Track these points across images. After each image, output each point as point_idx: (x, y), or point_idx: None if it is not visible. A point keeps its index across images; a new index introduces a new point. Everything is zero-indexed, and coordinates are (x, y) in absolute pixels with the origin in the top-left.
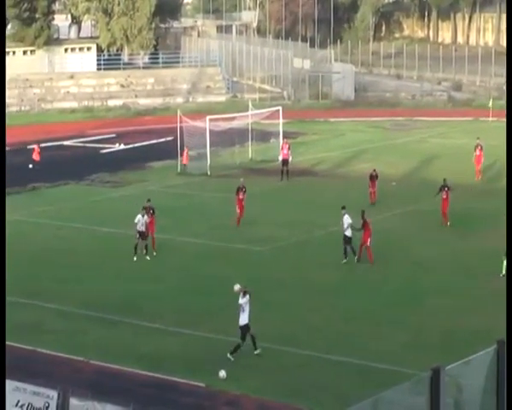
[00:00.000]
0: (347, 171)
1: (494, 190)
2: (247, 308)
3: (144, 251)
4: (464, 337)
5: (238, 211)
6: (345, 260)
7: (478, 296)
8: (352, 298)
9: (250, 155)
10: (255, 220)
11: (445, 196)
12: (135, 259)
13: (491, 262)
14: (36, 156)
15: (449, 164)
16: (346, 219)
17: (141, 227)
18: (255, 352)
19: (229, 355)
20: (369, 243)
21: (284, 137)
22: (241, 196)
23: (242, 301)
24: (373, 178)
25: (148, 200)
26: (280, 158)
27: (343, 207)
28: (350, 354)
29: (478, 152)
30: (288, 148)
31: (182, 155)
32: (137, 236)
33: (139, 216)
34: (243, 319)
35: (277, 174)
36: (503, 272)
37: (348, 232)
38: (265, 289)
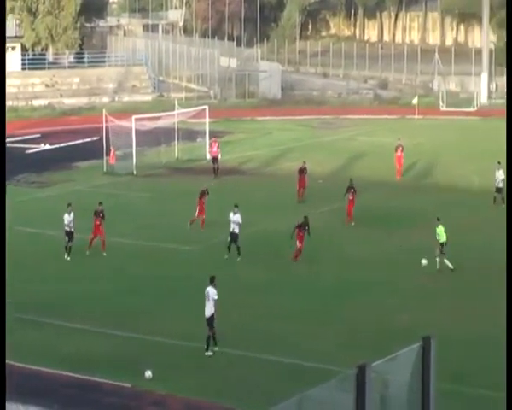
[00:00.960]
0: (275, 169)
1: (418, 187)
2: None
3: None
4: (395, 334)
5: (198, 214)
6: (226, 257)
7: (406, 293)
8: (283, 296)
9: (176, 155)
10: (184, 219)
11: (351, 198)
12: (68, 258)
13: (418, 259)
14: None
15: (375, 162)
16: (237, 219)
17: (67, 227)
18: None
19: (206, 353)
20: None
21: (212, 135)
22: (203, 200)
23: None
24: (302, 172)
25: (100, 203)
26: (209, 156)
27: (236, 206)
28: (281, 353)
29: (399, 153)
30: (218, 146)
31: (108, 154)
32: (66, 238)
33: (66, 215)
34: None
35: (204, 173)
36: (438, 266)
37: (237, 230)
38: (195, 288)
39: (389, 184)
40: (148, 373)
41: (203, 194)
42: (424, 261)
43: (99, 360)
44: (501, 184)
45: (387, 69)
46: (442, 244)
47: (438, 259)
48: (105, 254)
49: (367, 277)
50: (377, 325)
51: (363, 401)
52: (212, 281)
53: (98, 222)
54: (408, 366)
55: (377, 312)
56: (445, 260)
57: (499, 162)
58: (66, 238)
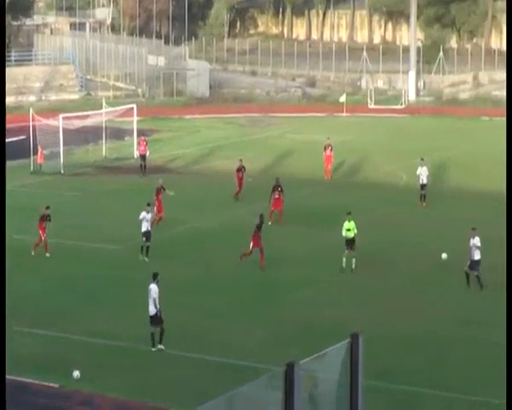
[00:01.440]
0: (203, 168)
1: (346, 185)
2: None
3: None
4: (322, 331)
5: (157, 213)
6: (141, 258)
7: (334, 290)
8: (211, 295)
9: (104, 153)
10: (111, 218)
11: (277, 196)
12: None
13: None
14: None
15: (304, 160)
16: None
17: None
18: (153, 349)
19: (159, 346)
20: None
21: (141, 134)
22: (160, 197)
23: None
24: (239, 170)
25: (47, 207)
26: (137, 155)
27: (148, 204)
28: (209, 351)
29: (328, 152)
30: (146, 144)
31: (36, 154)
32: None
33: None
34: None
35: (132, 172)
36: (343, 265)
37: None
38: (122, 287)
39: (317, 182)
40: (76, 373)
41: (159, 191)
42: (444, 255)
43: (26, 360)
44: (425, 181)
45: (315, 67)
46: (351, 240)
47: (344, 258)
48: (48, 254)
49: (295, 274)
50: (305, 323)
51: (292, 399)
52: (154, 277)
53: (44, 225)
54: (336, 362)
55: (305, 309)
56: (353, 259)
57: (422, 159)
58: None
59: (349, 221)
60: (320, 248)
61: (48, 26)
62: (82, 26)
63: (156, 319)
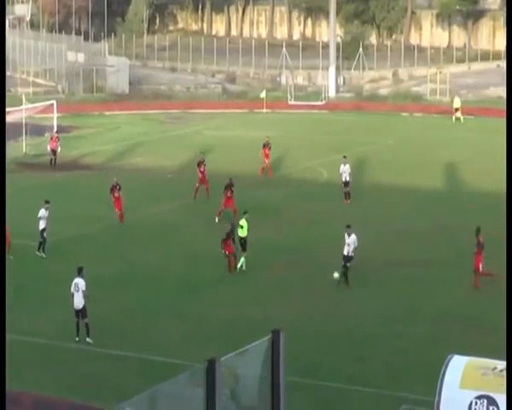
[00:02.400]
0: (122, 164)
1: (266, 181)
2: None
3: None
4: (244, 327)
5: (117, 210)
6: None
7: (257, 286)
8: (131, 291)
9: (24, 150)
10: (29, 215)
11: (229, 195)
12: None
13: (266, 253)
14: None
15: (223, 156)
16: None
17: None
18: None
19: (88, 339)
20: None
21: (61, 130)
22: (116, 194)
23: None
24: (200, 165)
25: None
26: (49, 148)
27: (47, 202)
28: (128, 347)
29: (267, 151)
30: (57, 139)
31: None
32: None
33: None
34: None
35: (52, 168)
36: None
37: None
38: (43, 284)
39: (238, 178)
40: None
41: (114, 188)
42: (336, 275)
43: None
44: (348, 178)
45: (235, 63)
46: (243, 239)
47: (243, 258)
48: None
49: (216, 271)
50: (226, 319)
51: (214, 395)
52: (79, 272)
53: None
54: (258, 359)
55: (226, 306)
56: (242, 259)
57: (345, 156)
58: None
59: (245, 220)
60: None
61: None
62: None
63: (84, 312)
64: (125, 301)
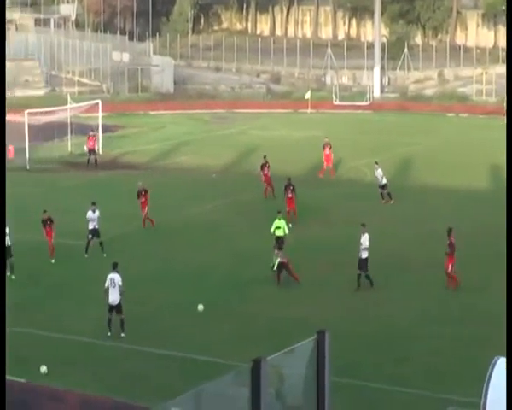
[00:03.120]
0: (167, 163)
1: (313, 181)
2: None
3: None
4: (287, 327)
5: (143, 214)
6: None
7: (301, 286)
8: (175, 289)
9: (69, 149)
10: (74, 215)
11: (290, 196)
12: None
13: (312, 253)
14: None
15: (269, 156)
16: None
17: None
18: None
19: (122, 334)
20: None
21: (106, 130)
22: (143, 200)
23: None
24: (263, 168)
25: (45, 211)
26: (86, 148)
27: (93, 203)
28: (172, 346)
29: (327, 151)
30: (95, 138)
31: (7, 150)
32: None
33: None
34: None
35: (96, 168)
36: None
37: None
38: (85, 283)
39: (283, 178)
40: (44, 368)
41: (140, 194)
42: (200, 307)
43: None
44: (384, 181)
45: (280, 63)
46: (280, 238)
47: (274, 257)
48: (53, 260)
49: (260, 270)
50: (270, 318)
51: (259, 395)
52: (114, 267)
53: (48, 229)
54: (303, 359)
55: (270, 305)
56: (278, 259)
57: (377, 162)
58: (90, 236)
59: (279, 219)
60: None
61: (13, 23)
62: (47, 22)
63: (119, 308)
64: (169, 300)
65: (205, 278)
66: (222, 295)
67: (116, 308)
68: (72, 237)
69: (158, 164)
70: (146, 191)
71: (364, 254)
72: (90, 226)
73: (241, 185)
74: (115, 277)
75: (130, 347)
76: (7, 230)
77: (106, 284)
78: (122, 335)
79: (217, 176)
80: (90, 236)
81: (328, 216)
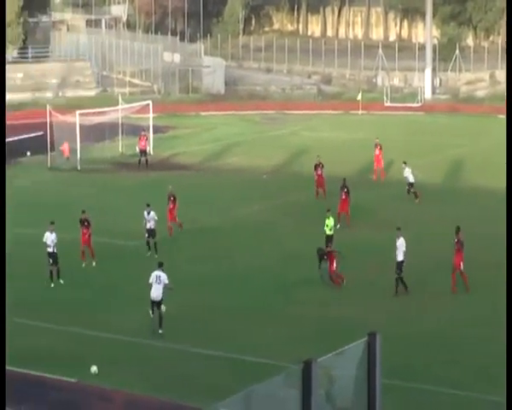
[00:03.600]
0: (218, 164)
1: (361, 182)
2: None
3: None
4: (336, 328)
5: (169, 220)
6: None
7: (350, 287)
8: (223, 290)
9: (120, 150)
10: (127, 214)
11: (344, 197)
12: (52, 285)
13: (361, 255)
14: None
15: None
16: (153, 215)
17: (50, 248)
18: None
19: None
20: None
21: (157, 130)
22: (171, 206)
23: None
24: (317, 167)
25: (83, 211)
26: (137, 149)
27: (148, 205)
28: (220, 347)
29: (377, 151)
30: (146, 139)
31: (62, 148)
32: (50, 261)
33: (47, 234)
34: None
35: (148, 168)
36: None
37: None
38: (134, 283)
39: (335, 179)
40: (94, 368)
41: (170, 199)
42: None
43: (43, 355)
44: (411, 180)
45: (331, 64)
46: (329, 237)
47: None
48: (94, 263)
49: (309, 270)
50: (318, 320)
51: (309, 397)
52: (160, 265)
53: (85, 231)
54: (353, 361)
55: (319, 306)
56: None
57: (405, 162)
58: (50, 260)
59: (328, 218)
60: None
61: (64, 23)
62: (98, 23)
63: (160, 304)
64: (218, 301)
65: (253, 279)
66: (269, 296)
67: (158, 304)
68: (123, 238)
69: (209, 165)
70: (175, 198)
71: (400, 258)
72: (147, 226)
73: (292, 186)
74: (161, 274)
75: (177, 347)
76: (52, 237)
77: (150, 280)
78: (160, 331)
79: (267, 177)
80: (147, 235)
81: (378, 218)
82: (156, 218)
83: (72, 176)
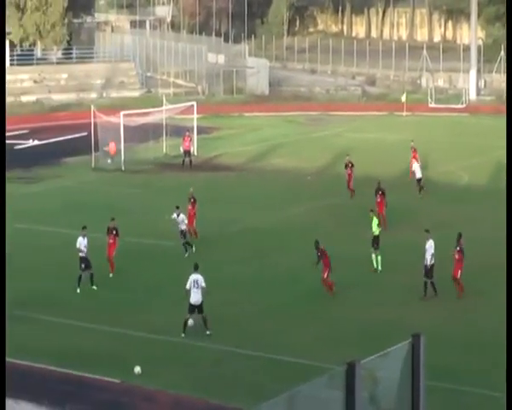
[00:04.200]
0: (263, 165)
1: (407, 184)
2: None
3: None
4: (379, 330)
5: (189, 224)
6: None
7: (393, 289)
8: (268, 292)
9: (164, 150)
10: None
11: (379, 200)
12: (78, 291)
13: (412, 257)
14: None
15: (363, 158)
16: (182, 218)
17: (83, 252)
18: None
19: (208, 332)
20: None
21: (201, 131)
22: (190, 207)
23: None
24: (347, 166)
25: (113, 219)
26: (182, 149)
27: (177, 207)
28: (262, 348)
29: (412, 154)
30: (190, 140)
31: (108, 147)
32: (82, 266)
33: (79, 238)
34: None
35: (192, 169)
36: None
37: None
38: (179, 283)
39: (377, 181)
40: (138, 369)
41: (190, 201)
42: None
43: (87, 355)
44: (419, 175)
45: (375, 65)
46: (376, 237)
47: (373, 255)
48: (111, 275)
49: (352, 273)
50: (361, 321)
51: (353, 399)
52: (196, 268)
53: (112, 240)
54: (397, 363)
55: (362, 308)
56: (376, 257)
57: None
58: (82, 265)
59: (372, 219)
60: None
61: (108, 24)
62: (142, 24)
63: (201, 308)
64: (262, 302)
65: (298, 280)
66: (312, 297)
67: (198, 308)
68: (166, 238)
69: (253, 166)
70: (195, 200)
71: (430, 261)
72: (181, 228)
73: (336, 188)
74: (198, 278)
75: (221, 348)
76: (85, 242)
77: (188, 286)
78: (208, 332)
79: (311, 178)
80: (181, 236)
81: (419, 220)
82: (186, 221)
83: (116, 176)
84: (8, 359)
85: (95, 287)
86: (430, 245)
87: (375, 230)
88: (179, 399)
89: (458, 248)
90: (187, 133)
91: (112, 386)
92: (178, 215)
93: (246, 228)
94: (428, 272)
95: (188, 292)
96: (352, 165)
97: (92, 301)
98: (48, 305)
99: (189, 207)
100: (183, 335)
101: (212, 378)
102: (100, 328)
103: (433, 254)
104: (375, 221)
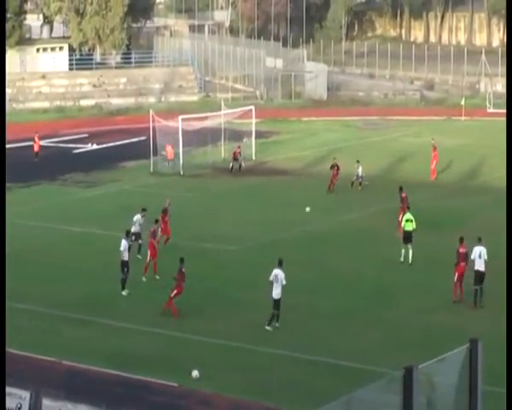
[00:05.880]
0: (321, 170)
1: (463, 189)
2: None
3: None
4: (435, 335)
5: (164, 233)
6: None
7: (450, 294)
8: (326, 297)
9: (223, 155)
10: (230, 219)
11: (400, 205)
12: (123, 293)
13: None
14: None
15: (421, 163)
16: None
17: (125, 255)
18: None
19: (266, 327)
20: None
21: (259, 136)
22: (166, 219)
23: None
24: (333, 167)
25: (156, 220)
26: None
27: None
28: (320, 352)
29: (432, 153)
30: (238, 146)
31: (165, 151)
32: (124, 269)
33: (123, 242)
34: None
35: (250, 173)
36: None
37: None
38: (237, 287)
39: (434, 186)
40: (195, 373)
41: (165, 212)
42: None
43: (145, 358)
44: (360, 174)
45: (434, 70)
46: (408, 233)
47: (403, 250)
48: (158, 277)
49: (412, 277)
50: (418, 326)
51: (411, 404)
52: (280, 264)
53: (152, 245)
54: (455, 367)
55: (419, 312)
56: (405, 251)
57: (358, 161)
58: (125, 269)
59: (408, 214)
60: (433, 251)
61: (167, 28)
62: (201, 29)
63: (278, 303)
64: (319, 306)
65: (355, 284)
66: (371, 301)
67: (276, 303)
68: (224, 243)
69: (311, 170)
70: (167, 210)
71: (480, 268)
72: (134, 230)
73: (393, 192)
74: (279, 273)
75: (279, 352)
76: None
77: (270, 278)
78: (276, 325)
79: (370, 183)
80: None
81: (477, 224)
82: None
83: (174, 180)
84: (65, 361)
85: (124, 292)
86: (482, 252)
87: (409, 225)
88: (236, 402)
89: (461, 251)
90: (238, 145)
91: (169, 389)
92: (142, 217)
93: (300, 232)
94: (479, 279)
95: (271, 284)
96: (338, 168)
97: (148, 304)
98: (104, 308)
99: (162, 214)
100: (269, 327)
101: (269, 383)
102: (155, 331)
103: (486, 261)
104: (410, 216)
